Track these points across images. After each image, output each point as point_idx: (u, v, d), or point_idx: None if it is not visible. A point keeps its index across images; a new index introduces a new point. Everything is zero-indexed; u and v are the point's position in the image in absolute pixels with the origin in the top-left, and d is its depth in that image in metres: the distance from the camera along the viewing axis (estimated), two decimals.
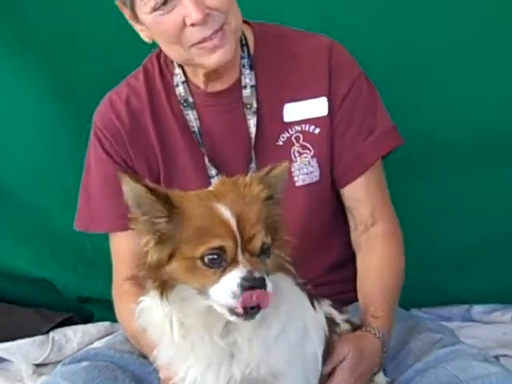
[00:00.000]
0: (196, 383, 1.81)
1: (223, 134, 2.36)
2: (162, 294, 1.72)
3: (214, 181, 2.30)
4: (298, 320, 1.86)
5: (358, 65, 2.43)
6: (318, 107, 2.35)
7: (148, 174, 2.34)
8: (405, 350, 2.28)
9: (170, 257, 1.69)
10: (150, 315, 1.81)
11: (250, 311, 1.62)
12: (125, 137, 2.35)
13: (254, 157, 2.32)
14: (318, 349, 1.94)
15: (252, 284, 1.60)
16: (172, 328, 1.76)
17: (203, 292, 1.66)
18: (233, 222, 1.63)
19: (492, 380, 2.01)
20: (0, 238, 3.23)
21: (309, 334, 1.91)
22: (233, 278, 1.61)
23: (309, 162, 2.37)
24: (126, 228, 2.18)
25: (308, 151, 2.36)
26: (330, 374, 2.02)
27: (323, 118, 2.36)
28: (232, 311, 1.63)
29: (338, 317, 2.13)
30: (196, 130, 2.35)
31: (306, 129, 2.36)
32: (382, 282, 2.31)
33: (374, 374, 2.16)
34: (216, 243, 1.63)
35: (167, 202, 1.69)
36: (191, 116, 2.35)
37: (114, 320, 3.19)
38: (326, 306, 2.08)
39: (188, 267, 1.67)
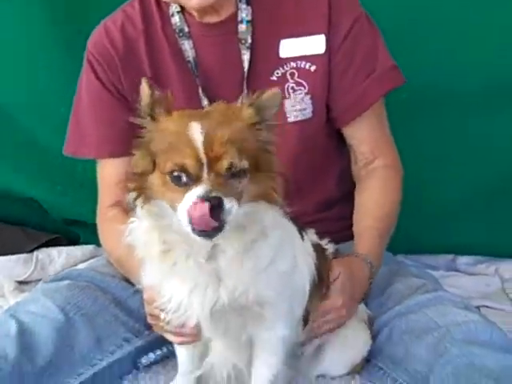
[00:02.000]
0: (181, 305, 1.82)
1: (217, 66, 2.33)
2: (144, 202, 1.73)
3: None
4: (288, 251, 1.86)
5: (359, 4, 2.39)
6: (315, 44, 2.32)
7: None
8: (387, 292, 2.30)
9: (154, 168, 1.70)
10: (137, 233, 1.81)
11: (208, 233, 1.61)
12: (118, 63, 2.33)
13: (245, 91, 2.29)
14: (306, 279, 1.97)
15: (207, 202, 1.58)
16: (153, 243, 1.77)
17: (174, 209, 1.65)
18: (199, 141, 1.61)
19: (471, 327, 2.03)
20: None
21: (298, 264, 1.92)
22: (191, 196, 1.60)
23: (302, 99, 2.34)
24: (112, 154, 2.18)
25: (302, 88, 2.34)
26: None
27: (320, 55, 2.33)
28: (193, 228, 1.61)
29: (323, 243, 2.16)
30: (191, 59, 2.31)
31: (302, 66, 2.33)
32: (378, 212, 2.33)
33: (363, 299, 2.19)
34: (179, 160, 1.62)
35: (158, 106, 1.71)
36: (186, 46, 2.31)
37: (99, 244, 3.18)
38: (311, 235, 2.09)
39: (162, 181, 1.67)
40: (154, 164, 1.69)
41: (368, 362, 2.20)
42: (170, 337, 2.00)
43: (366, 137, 2.40)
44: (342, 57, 2.34)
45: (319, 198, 2.48)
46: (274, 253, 1.80)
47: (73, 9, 3.07)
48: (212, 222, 1.58)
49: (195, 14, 2.29)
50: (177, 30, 2.32)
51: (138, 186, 1.73)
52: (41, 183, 3.24)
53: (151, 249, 1.78)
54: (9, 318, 2.11)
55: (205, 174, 1.61)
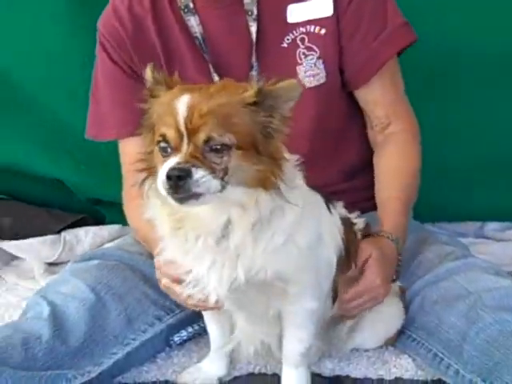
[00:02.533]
0: (200, 281, 1.83)
1: (226, 40, 2.31)
2: (152, 182, 1.74)
3: None
4: (310, 226, 1.84)
5: None
6: (322, 7, 2.30)
7: None
8: (416, 260, 2.29)
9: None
10: (152, 211, 1.82)
11: (178, 197, 1.62)
12: (128, 43, 2.33)
13: (254, 64, 2.28)
14: (333, 253, 1.96)
15: (171, 173, 1.58)
16: (164, 221, 1.79)
17: None
18: (181, 112, 1.62)
19: (502, 293, 2.03)
20: (16, 140, 3.22)
21: (323, 239, 1.91)
22: (164, 167, 1.61)
23: (315, 64, 2.32)
24: (132, 134, 2.18)
25: (314, 53, 2.32)
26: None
27: (328, 18, 2.30)
28: (167, 197, 1.63)
29: (352, 216, 2.15)
30: (199, 35, 2.30)
31: (311, 30, 2.31)
32: (399, 181, 2.30)
33: (393, 280, 2.18)
34: (162, 130, 1.64)
35: (160, 85, 1.75)
36: (193, 22, 2.30)
37: (125, 223, 3.19)
38: (339, 208, 2.08)
39: (156, 152, 1.69)
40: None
41: (401, 332, 2.20)
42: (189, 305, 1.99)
43: (380, 99, 2.37)
44: (351, 17, 2.31)
45: (341, 167, 2.46)
46: (292, 229, 1.79)
47: None
48: (179, 192, 1.60)
49: None
50: (182, 7, 2.30)
51: (147, 165, 1.75)
52: (65, 163, 3.24)
53: (163, 226, 1.80)
54: (40, 300, 2.13)
55: (184, 145, 1.62)
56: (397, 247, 2.16)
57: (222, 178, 1.63)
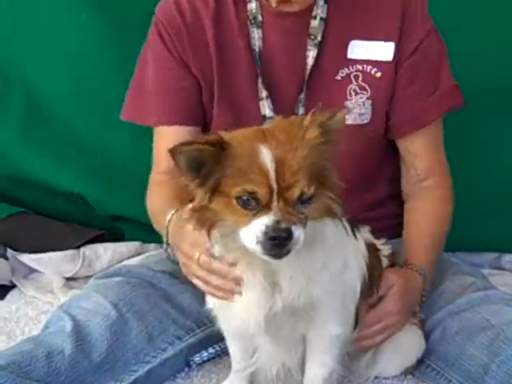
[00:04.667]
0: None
1: (282, 59, 2.32)
2: (208, 232, 1.73)
3: (263, 103, 2.29)
4: (340, 250, 1.87)
5: (430, 17, 2.38)
6: (384, 51, 2.31)
7: (202, 79, 2.33)
8: (438, 290, 2.30)
9: (212, 195, 1.68)
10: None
11: (277, 254, 1.62)
12: (185, 34, 2.32)
13: (304, 88, 2.30)
14: (357, 278, 1.98)
15: (275, 234, 1.58)
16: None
17: (237, 231, 1.66)
18: (271, 169, 1.60)
19: None
20: (39, 154, 3.24)
21: (349, 263, 1.93)
22: (259, 225, 1.60)
23: (363, 103, 2.33)
24: (173, 122, 2.26)
25: (365, 92, 2.33)
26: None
27: (387, 62, 2.32)
28: (262, 254, 1.63)
29: (378, 242, 2.17)
30: (257, 49, 2.31)
31: (368, 70, 2.32)
32: (429, 236, 2.33)
33: (415, 313, 2.19)
34: (249, 187, 1.61)
35: (218, 144, 1.66)
36: (255, 34, 2.31)
37: (144, 240, 3.25)
38: (365, 233, 2.10)
39: (226, 204, 1.66)
40: (213, 193, 1.67)
41: (420, 361, 2.21)
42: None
43: (421, 153, 2.39)
44: (409, 68, 2.33)
45: (368, 199, 2.48)
46: (328, 253, 1.82)
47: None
48: (281, 251, 1.61)
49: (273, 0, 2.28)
50: (250, 17, 2.31)
51: (203, 219, 1.72)
52: (85, 179, 3.25)
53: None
54: (63, 314, 2.14)
55: (274, 202, 1.60)
56: (423, 279, 2.18)
57: (305, 225, 1.65)
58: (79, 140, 3.23)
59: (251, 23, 2.31)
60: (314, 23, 2.29)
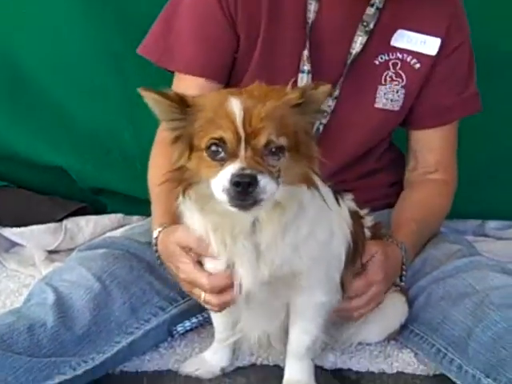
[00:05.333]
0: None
1: (331, 38, 2.32)
2: (183, 193, 1.73)
3: (302, 77, 2.29)
4: (325, 219, 1.86)
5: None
6: (429, 45, 2.36)
7: (245, 39, 2.29)
8: (422, 258, 2.31)
9: (190, 153, 1.69)
10: (189, 219, 1.83)
11: (243, 204, 1.60)
12: None
13: (345, 71, 2.32)
14: (342, 246, 1.97)
15: (240, 179, 1.56)
16: (208, 235, 1.79)
17: (211, 192, 1.65)
18: (238, 115, 1.60)
19: (509, 291, 2.04)
20: (19, 127, 3.20)
21: (334, 232, 1.92)
22: (226, 173, 1.59)
23: (397, 91, 2.38)
24: (201, 74, 2.23)
25: (400, 80, 2.37)
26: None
27: (429, 56, 2.37)
28: (229, 204, 1.61)
29: (361, 211, 2.17)
30: (310, 21, 2.29)
31: (408, 59, 2.36)
32: (423, 216, 2.37)
33: (396, 285, 2.20)
34: (217, 134, 1.61)
35: (182, 102, 1.69)
36: (312, 6, 2.29)
37: (127, 212, 3.23)
38: (348, 201, 2.10)
39: (199, 159, 1.66)
40: (191, 151, 1.69)
41: (404, 327, 2.22)
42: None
43: (436, 147, 2.47)
44: (446, 66, 2.39)
45: (362, 169, 2.52)
46: (313, 222, 1.81)
47: None
48: (246, 199, 1.59)
49: None
50: None
51: (179, 180, 1.73)
52: (67, 151, 3.21)
53: (199, 229, 1.80)
54: (45, 287, 2.12)
55: (242, 150, 1.60)
56: (403, 256, 2.19)
57: (278, 178, 1.63)
58: (60, 113, 3.19)
59: None
60: (370, 10, 2.30)
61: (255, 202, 1.60)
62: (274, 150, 1.63)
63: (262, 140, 1.61)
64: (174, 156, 1.73)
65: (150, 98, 1.68)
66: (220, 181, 1.60)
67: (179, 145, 1.71)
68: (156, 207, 2.16)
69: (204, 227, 1.78)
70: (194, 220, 1.80)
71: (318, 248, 1.84)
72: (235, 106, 1.61)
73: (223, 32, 2.28)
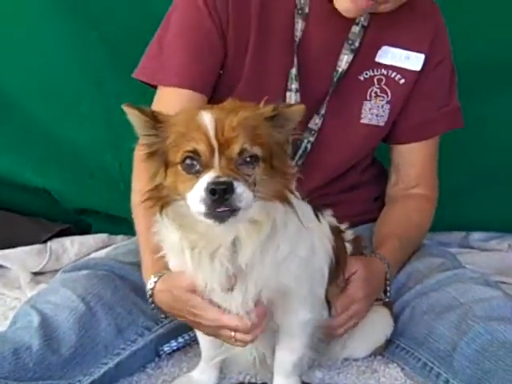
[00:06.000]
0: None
1: (317, 56, 2.33)
2: (161, 211, 1.72)
3: (290, 95, 2.30)
4: (306, 236, 1.86)
5: None
6: (413, 61, 2.39)
7: (233, 56, 2.29)
8: (405, 272, 2.32)
9: (165, 170, 1.69)
10: (166, 237, 1.82)
11: (220, 214, 1.60)
12: (230, 4, 2.26)
13: (331, 89, 2.33)
14: (324, 262, 1.98)
15: (215, 187, 1.56)
16: (184, 252, 1.77)
17: (186, 200, 1.64)
18: (210, 126, 1.61)
19: (493, 304, 2.05)
20: (2, 148, 3.20)
21: (315, 248, 1.92)
22: (201, 183, 1.59)
23: (382, 106, 2.40)
24: (191, 87, 2.22)
25: (385, 96, 2.39)
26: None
27: (413, 72, 2.39)
28: (205, 215, 1.60)
29: (340, 225, 2.17)
30: (297, 40, 2.31)
31: (392, 75, 2.39)
32: (405, 232, 2.38)
33: (380, 299, 2.21)
34: (190, 146, 1.62)
35: (155, 118, 1.70)
36: (299, 25, 2.30)
37: (111, 232, 3.23)
38: (328, 217, 2.10)
39: (175, 175, 1.66)
40: (167, 167, 1.69)
41: (390, 342, 2.22)
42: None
43: (417, 162, 2.49)
44: (430, 81, 2.42)
45: (345, 184, 2.52)
46: (293, 240, 1.81)
47: None
48: (223, 207, 1.58)
49: None
50: (298, 7, 2.30)
51: (157, 198, 1.72)
52: (51, 172, 3.22)
53: (181, 257, 1.79)
54: (30, 310, 2.11)
55: (216, 160, 1.60)
56: (386, 271, 2.20)
57: (254, 188, 1.63)
58: (42, 133, 3.19)
59: (298, 13, 2.30)
60: (355, 29, 2.32)
61: (232, 212, 1.59)
62: (248, 159, 1.63)
63: (235, 148, 1.61)
64: (150, 172, 1.73)
65: (129, 112, 1.70)
66: (196, 192, 1.60)
67: (155, 161, 1.72)
68: (145, 251, 2.09)
69: (180, 245, 1.77)
70: (171, 238, 1.79)
71: (301, 265, 1.83)
72: (206, 118, 1.62)
73: (214, 46, 2.28)
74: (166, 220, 1.74)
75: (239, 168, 1.62)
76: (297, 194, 1.80)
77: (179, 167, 1.65)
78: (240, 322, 1.82)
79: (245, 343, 1.88)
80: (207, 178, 1.58)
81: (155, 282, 1.97)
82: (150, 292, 1.99)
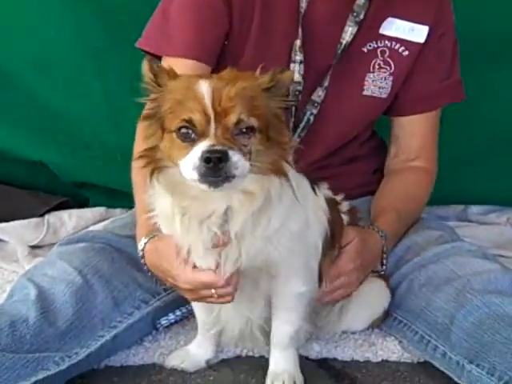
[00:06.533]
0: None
1: (322, 28, 2.32)
2: (151, 175, 1.73)
3: (294, 67, 2.28)
4: (300, 209, 1.85)
5: None
6: (417, 33, 2.38)
7: (238, 26, 2.28)
8: (403, 245, 2.32)
9: (162, 134, 1.70)
10: (158, 203, 1.82)
11: (214, 180, 1.60)
12: None
13: (335, 61, 2.32)
14: (319, 235, 1.98)
15: (210, 155, 1.56)
16: (174, 217, 1.77)
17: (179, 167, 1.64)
18: (206, 95, 1.61)
19: (490, 277, 2.05)
20: (0, 121, 3.19)
21: (310, 222, 1.92)
22: (196, 151, 1.59)
23: (385, 78, 2.39)
24: (197, 58, 2.21)
25: (388, 68, 2.38)
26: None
27: (417, 44, 2.38)
28: (200, 180, 1.61)
29: (338, 197, 2.17)
30: (302, 11, 2.29)
31: (396, 47, 2.38)
32: (403, 205, 2.38)
33: (377, 271, 2.21)
34: (185, 115, 1.62)
35: (161, 75, 1.72)
36: None
37: (109, 205, 3.22)
38: (324, 189, 2.09)
39: (169, 141, 1.67)
40: (163, 131, 1.69)
41: (387, 315, 2.22)
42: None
43: (418, 133, 2.48)
44: (433, 53, 2.41)
45: (345, 156, 2.52)
46: (286, 213, 1.80)
47: None
48: (217, 175, 1.58)
49: None
50: None
51: (151, 159, 1.72)
52: (48, 146, 3.21)
53: (171, 223, 1.79)
54: (27, 282, 2.11)
55: (212, 129, 1.61)
56: (383, 243, 2.20)
57: (250, 159, 1.63)
58: (39, 106, 3.17)
59: None
60: (360, 1, 2.31)
61: (227, 178, 1.59)
62: (244, 130, 1.63)
63: (232, 118, 1.61)
64: (146, 133, 1.74)
65: (144, 66, 1.72)
66: (190, 159, 1.60)
67: (152, 124, 1.72)
68: (139, 211, 2.11)
69: (171, 211, 1.77)
70: (162, 204, 1.79)
71: (292, 238, 1.84)
72: (204, 87, 1.62)
73: (218, 15, 2.26)
74: (158, 186, 1.74)
75: (235, 138, 1.62)
76: (293, 165, 1.79)
77: (174, 135, 1.65)
78: (218, 277, 1.83)
79: (227, 300, 1.89)
80: (202, 146, 1.59)
81: (145, 244, 2.00)
82: (141, 253, 2.02)
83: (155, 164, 1.71)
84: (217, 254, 1.80)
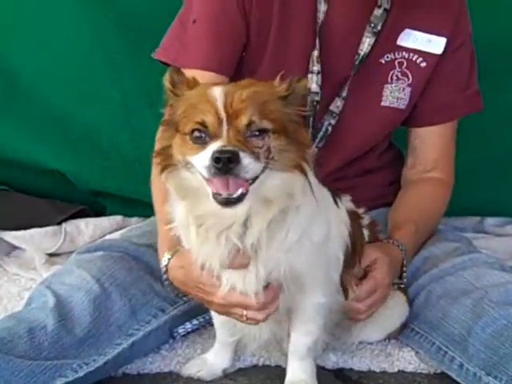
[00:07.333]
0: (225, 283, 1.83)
1: (339, 39, 2.32)
2: (162, 170, 1.74)
3: (312, 77, 2.29)
4: (321, 220, 1.85)
5: None
6: (435, 44, 2.38)
7: (256, 38, 2.29)
8: (421, 256, 2.32)
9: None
10: (175, 212, 1.82)
11: (226, 197, 1.61)
12: None
13: (353, 72, 2.32)
14: (340, 247, 1.97)
15: (220, 155, 1.56)
16: (189, 228, 1.77)
17: (191, 166, 1.66)
18: (219, 98, 1.63)
19: (508, 289, 2.05)
20: (18, 131, 3.21)
21: (331, 233, 1.91)
22: (207, 152, 1.60)
23: (403, 89, 2.40)
24: (216, 70, 2.22)
25: (406, 79, 2.39)
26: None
27: (435, 55, 2.38)
28: (214, 196, 1.61)
29: (360, 210, 2.17)
30: (319, 22, 2.30)
31: (413, 59, 2.38)
32: (421, 217, 2.38)
33: (396, 284, 2.21)
34: (198, 118, 1.63)
35: (180, 85, 1.75)
36: (321, 7, 2.29)
37: (126, 214, 3.23)
38: (346, 202, 2.09)
39: (182, 142, 1.68)
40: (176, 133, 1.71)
41: (405, 326, 2.22)
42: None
43: (436, 144, 2.48)
44: (451, 64, 2.41)
45: (362, 167, 2.53)
46: (307, 224, 1.80)
47: None
48: (230, 179, 1.59)
49: None
50: None
51: (164, 155, 1.74)
52: (66, 155, 3.23)
53: (187, 233, 1.80)
54: (45, 290, 2.12)
55: (224, 131, 1.62)
56: (403, 256, 2.21)
57: (267, 159, 1.63)
58: (57, 116, 3.20)
59: None
60: (378, 12, 2.31)
61: (238, 199, 1.61)
62: (257, 132, 1.64)
63: (243, 120, 1.62)
64: (163, 136, 1.76)
65: (165, 77, 1.76)
66: (202, 159, 1.61)
67: (168, 128, 1.75)
68: (160, 223, 2.09)
69: (185, 220, 1.77)
70: (178, 211, 1.80)
71: (313, 249, 1.83)
72: (216, 91, 1.65)
73: (236, 28, 2.27)
74: (170, 188, 1.75)
75: (248, 140, 1.63)
76: (314, 173, 1.78)
77: (188, 137, 1.66)
78: (256, 300, 1.82)
79: (256, 322, 1.88)
80: (213, 146, 1.60)
81: (169, 259, 1.99)
82: (164, 269, 2.01)
83: (167, 161, 1.73)
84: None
